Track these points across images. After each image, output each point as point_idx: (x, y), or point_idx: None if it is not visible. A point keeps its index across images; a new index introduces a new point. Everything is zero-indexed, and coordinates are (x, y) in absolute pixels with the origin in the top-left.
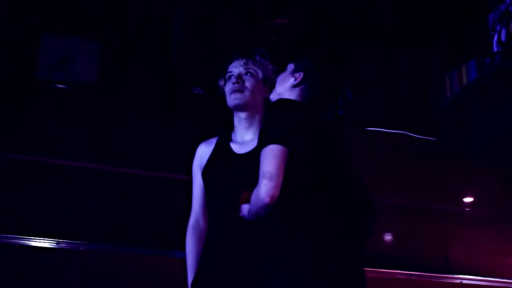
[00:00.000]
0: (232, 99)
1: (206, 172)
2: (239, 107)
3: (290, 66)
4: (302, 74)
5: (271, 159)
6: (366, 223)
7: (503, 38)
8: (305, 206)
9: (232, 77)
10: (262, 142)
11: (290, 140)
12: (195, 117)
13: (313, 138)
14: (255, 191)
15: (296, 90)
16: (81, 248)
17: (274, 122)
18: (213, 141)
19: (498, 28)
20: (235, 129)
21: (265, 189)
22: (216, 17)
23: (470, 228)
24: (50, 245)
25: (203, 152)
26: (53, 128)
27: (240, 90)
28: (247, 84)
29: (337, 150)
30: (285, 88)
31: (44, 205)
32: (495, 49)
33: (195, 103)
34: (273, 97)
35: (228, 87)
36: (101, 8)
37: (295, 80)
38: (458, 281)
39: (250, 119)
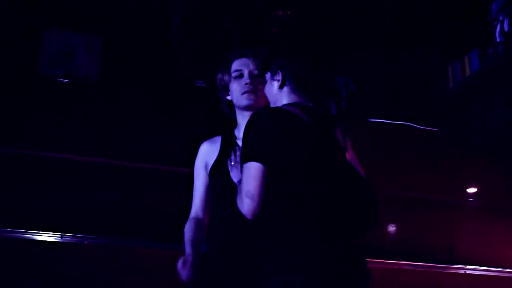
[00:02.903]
0: (245, 99)
1: (214, 170)
2: (250, 108)
3: (268, 75)
4: (280, 73)
5: (250, 179)
6: (367, 219)
7: (506, 28)
8: (302, 207)
9: (245, 77)
10: (241, 157)
11: (269, 155)
12: (196, 111)
13: (290, 144)
14: (239, 202)
15: (284, 90)
16: (86, 242)
17: (251, 137)
18: (217, 139)
19: (501, 18)
20: (239, 126)
21: (247, 208)
22: (216, 17)
23: (473, 219)
24: (55, 239)
25: (208, 150)
26: (56, 123)
27: (254, 92)
28: (258, 83)
29: (323, 150)
30: (274, 94)
31: (48, 199)
32: (498, 39)
33: (196, 98)
34: (271, 105)
35: (239, 86)
36: (102, 4)
37: (278, 81)
38: (462, 271)
39: None
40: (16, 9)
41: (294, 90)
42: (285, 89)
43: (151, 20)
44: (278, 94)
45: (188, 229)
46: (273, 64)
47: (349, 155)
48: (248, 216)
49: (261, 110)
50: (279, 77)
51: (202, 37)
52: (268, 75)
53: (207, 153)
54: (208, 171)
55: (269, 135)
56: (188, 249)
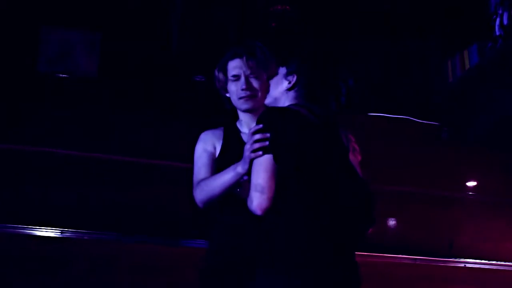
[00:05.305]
0: (243, 104)
1: (220, 161)
2: (249, 111)
3: (282, 70)
4: (295, 77)
5: (261, 172)
6: (363, 222)
7: (505, 21)
8: (301, 209)
9: (241, 81)
10: (251, 153)
11: (278, 151)
12: (196, 106)
13: (302, 144)
14: (248, 200)
15: (291, 93)
16: (86, 237)
17: (261, 134)
18: (219, 130)
19: (500, 12)
20: (241, 121)
21: (257, 202)
22: (215, 12)
23: (473, 213)
24: (55, 234)
25: (210, 138)
26: (55, 119)
27: (251, 96)
28: (255, 86)
29: (330, 151)
30: (279, 92)
31: (48, 195)
32: (497, 33)
33: (196, 93)
34: (269, 102)
35: (236, 90)
36: (100, 1)
37: (289, 83)
38: (462, 265)
39: (255, 114)
40: (14, 6)
41: (301, 95)
42: (293, 92)
43: (150, 16)
44: (284, 94)
45: (204, 180)
46: (290, 63)
47: (351, 156)
48: (258, 212)
49: (270, 109)
50: (292, 80)
51: (201, 32)
52: (282, 70)
53: (210, 140)
54: (212, 156)
55: (279, 133)
56: (230, 169)
